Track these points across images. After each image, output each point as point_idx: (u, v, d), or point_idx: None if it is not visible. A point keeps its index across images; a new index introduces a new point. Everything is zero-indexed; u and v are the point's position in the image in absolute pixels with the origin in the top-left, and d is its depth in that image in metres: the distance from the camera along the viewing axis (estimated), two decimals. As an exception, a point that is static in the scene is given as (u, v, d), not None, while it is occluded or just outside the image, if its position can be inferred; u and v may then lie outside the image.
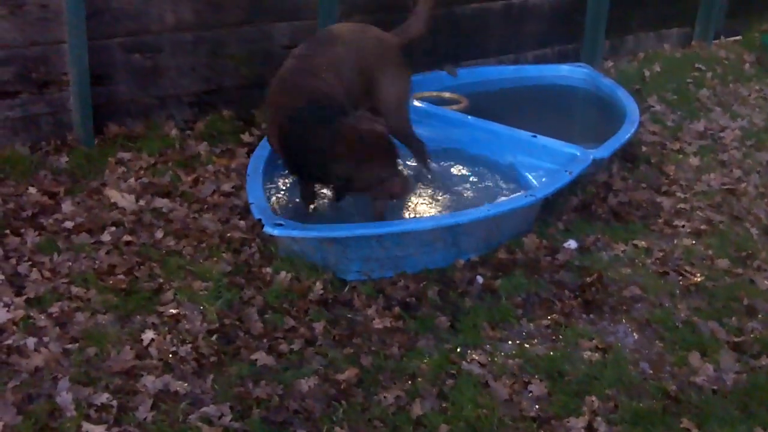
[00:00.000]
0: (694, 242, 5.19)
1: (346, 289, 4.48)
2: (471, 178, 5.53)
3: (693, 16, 8.92)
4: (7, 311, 4.02)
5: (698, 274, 4.86)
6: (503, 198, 5.25)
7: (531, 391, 3.89)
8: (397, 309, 4.35)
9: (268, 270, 4.50)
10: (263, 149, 5.19)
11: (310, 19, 6.25)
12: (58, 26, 5.35)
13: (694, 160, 6.28)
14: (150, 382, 3.73)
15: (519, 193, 5.22)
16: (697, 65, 8.36)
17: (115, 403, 3.60)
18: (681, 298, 4.66)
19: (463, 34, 7.16)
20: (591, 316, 4.48)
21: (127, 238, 4.68)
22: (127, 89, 5.73)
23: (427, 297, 4.47)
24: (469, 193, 5.38)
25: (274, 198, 5.13)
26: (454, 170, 5.61)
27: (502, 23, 7.40)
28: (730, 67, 8.49)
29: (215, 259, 4.58)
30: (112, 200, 4.98)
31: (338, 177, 4.62)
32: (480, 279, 4.64)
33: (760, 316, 4.57)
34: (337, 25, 5.50)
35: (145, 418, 3.55)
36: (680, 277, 4.83)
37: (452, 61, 6.92)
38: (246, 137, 5.86)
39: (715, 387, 4.02)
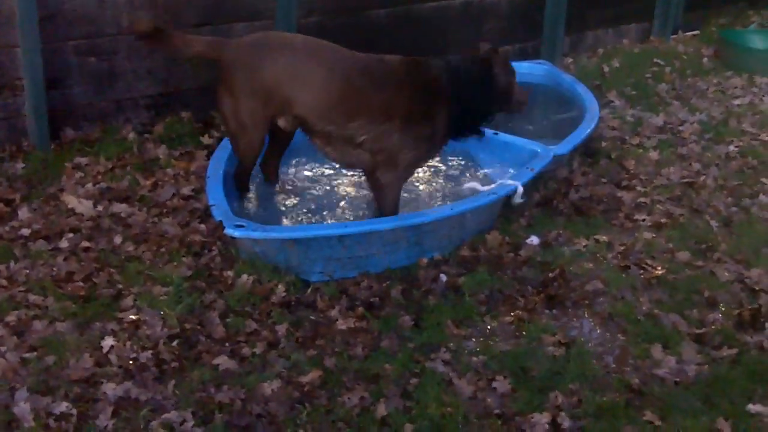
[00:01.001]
0: (654, 236, 5.21)
1: (309, 290, 4.46)
2: (433, 176, 5.52)
3: (651, 11, 8.97)
4: (-37, 321, 3.97)
5: (659, 267, 4.88)
6: (465, 196, 5.25)
7: (495, 388, 3.89)
8: (360, 309, 4.33)
9: (230, 273, 4.47)
10: (223, 150, 5.15)
11: (268, 19, 6.21)
12: (10, 30, 5.29)
13: (654, 154, 6.30)
14: (110, 389, 3.70)
15: (481, 191, 5.22)
16: (655, 60, 8.40)
17: (74, 411, 3.57)
18: (643, 291, 4.68)
19: (423, 33, 7.15)
20: (554, 311, 4.48)
21: (85, 244, 4.64)
22: (83, 93, 5.67)
23: (390, 296, 4.46)
24: (431, 191, 5.38)
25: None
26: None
27: (461, 21, 7.40)
28: (688, 62, 8.54)
29: (175, 263, 4.54)
30: (70, 206, 4.92)
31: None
32: (443, 277, 4.64)
33: (720, 307, 4.59)
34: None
35: (105, 426, 3.52)
36: (641, 271, 4.85)
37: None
38: (205, 139, 5.82)
39: (677, 379, 4.04)
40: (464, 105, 4.79)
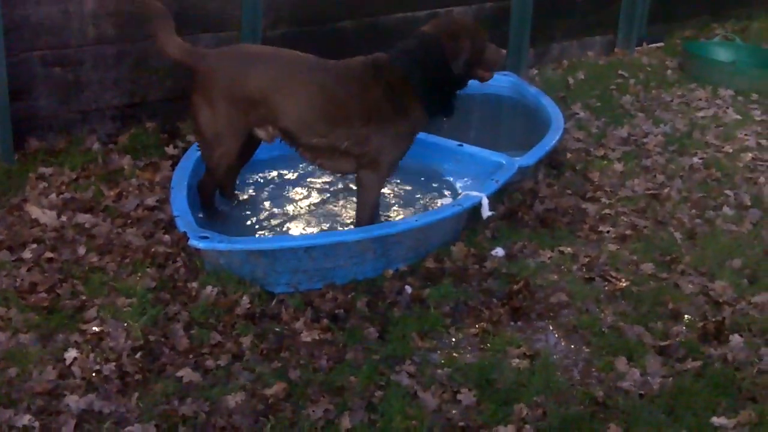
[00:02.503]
0: (619, 247, 5.24)
1: (274, 302, 4.45)
2: (398, 188, 5.53)
3: (615, 23, 9.02)
4: (-76, 333, 3.93)
5: (623, 279, 4.91)
6: (431, 208, 5.26)
7: (460, 401, 3.89)
8: (325, 321, 4.32)
9: (194, 285, 4.45)
10: (188, 161, 5.13)
11: (234, 30, 6.20)
12: (-26, 41, 5.24)
13: (618, 166, 6.34)
14: (73, 401, 3.68)
15: (446, 203, 5.24)
16: (620, 72, 8.46)
17: (37, 424, 3.54)
18: (607, 303, 4.71)
19: (389, 44, 7.15)
20: (519, 323, 4.50)
21: (48, 255, 4.60)
22: (47, 104, 5.64)
23: (355, 308, 4.45)
24: (396, 203, 5.39)
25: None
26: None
27: (427, 32, 7.41)
28: (652, 74, 8.61)
29: (139, 274, 4.51)
30: (33, 216, 4.88)
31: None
32: (409, 289, 4.64)
33: (685, 319, 4.63)
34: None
35: (68, 439, 3.50)
36: (606, 283, 4.88)
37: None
38: (170, 150, 5.79)
39: (641, 391, 4.06)
40: (427, 85, 4.77)
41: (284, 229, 5.07)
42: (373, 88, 4.75)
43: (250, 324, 4.26)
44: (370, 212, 4.92)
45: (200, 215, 4.95)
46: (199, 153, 5.06)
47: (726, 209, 5.84)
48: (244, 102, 4.72)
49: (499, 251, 5.04)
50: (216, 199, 5.13)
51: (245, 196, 5.33)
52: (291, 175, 5.61)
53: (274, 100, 4.72)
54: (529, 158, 5.58)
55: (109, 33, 5.73)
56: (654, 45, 9.42)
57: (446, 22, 4.92)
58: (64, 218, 4.92)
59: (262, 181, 5.54)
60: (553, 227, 5.38)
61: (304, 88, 4.76)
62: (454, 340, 4.34)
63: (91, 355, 3.94)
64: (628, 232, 5.42)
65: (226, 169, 4.94)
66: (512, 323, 4.49)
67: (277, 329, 4.27)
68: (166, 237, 4.81)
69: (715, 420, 3.90)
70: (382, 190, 5.13)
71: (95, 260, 4.61)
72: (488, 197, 5.04)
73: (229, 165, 4.93)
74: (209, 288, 4.39)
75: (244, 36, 6.19)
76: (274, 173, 5.61)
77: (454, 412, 3.83)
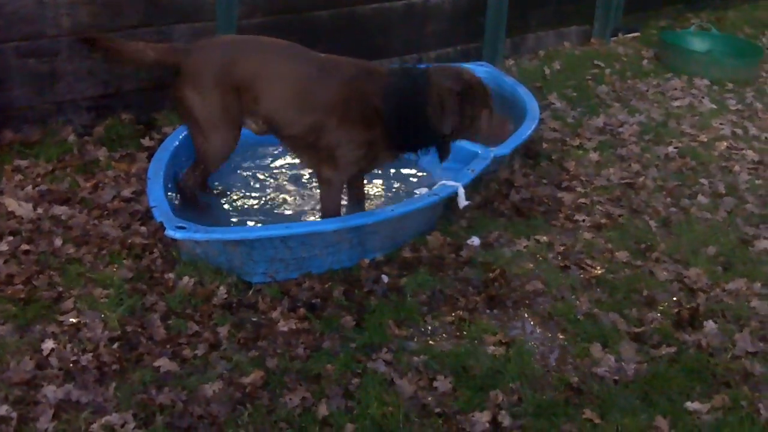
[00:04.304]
0: (594, 236, 5.28)
1: (251, 291, 4.46)
2: (375, 177, 5.55)
3: (591, 14, 9.07)
4: None
5: (599, 267, 4.95)
6: (407, 197, 5.28)
7: (436, 387, 3.92)
8: (302, 310, 4.34)
9: (171, 275, 4.45)
10: (164, 152, 5.13)
11: (209, 20, 6.19)
12: (-52, 32, 5.22)
13: (594, 156, 6.38)
14: (51, 392, 3.68)
15: (423, 193, 5.26)
16: (596, 62, 8.51)
17: (15, 414, 3.54)
18: (582, 291, 4.74)
19: (365, 34, 7.18)
20: (494, 311, 4.52)
21: (25, 246, 4.59)
22: (22, 95, 5.61)
23: (332, 297, 4.47)
24: (373, 192, 5.40)
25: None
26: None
27: (404, 23, 7.43)
28: (628, 64, 8.66)
29: (116, 265, 4.51)
30: (9, 209, 4.86)
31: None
32: (385, 278, 4.66)
33: (659, 306, 4.67)
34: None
35: (46, 429, 3.51)
36: (581, 271, 4.91)
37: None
38: (146, 141, 5.78)
39: (616, 377, 4.10)
40: (397, 123, 4.67)
41: (261, 218, 5.07)
42: (351, 91, 4.72)
43: (227, 313, 4.27)
44: (332, 210, 4.89)
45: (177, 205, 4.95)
46: (175, 144, 5.06)
47: (701, 197, 5.90)
48: (236, 89, 4.73)
49: (475, 240, 5.06)
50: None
51: (221, 187, 5.33)
52: (266, 164, 5.62)
53: (257, 86, 4.72)
54: (504, 148, 5.58)
55: (84, 23, 5.70)
56: (630, 35, 9.48)
57: (452, 78, 4.65)
58: (40, 210, 4.91)
59: (238, 171, 5.54)
60: (528, 216, 5.41)
61: (285, 76, 4.76)
62: (430, 328, 4.36)
63: (69, 346, 3.94)
64: (603, 220, 5.46)
65: (222, 158, 4.94)
66: (488, 311, 4.52)
67: (254, 318, 4.28)
68: (143, 228, 4.81)
69: (690, 405, 3.95)
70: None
71: (72, 251, 4.60)
72: (464, 187, 5.05)
73: (226, 154, 4.93)
74: (186, 278, 4.40)
75: (219, 26, 6.19)
76: (249, 163, 5.61)
77: (430, 398, 3.86)
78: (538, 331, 4.42)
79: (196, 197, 5.04)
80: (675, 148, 6.70)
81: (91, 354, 3.91)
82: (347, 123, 4.70)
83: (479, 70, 6.98)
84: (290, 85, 4.75)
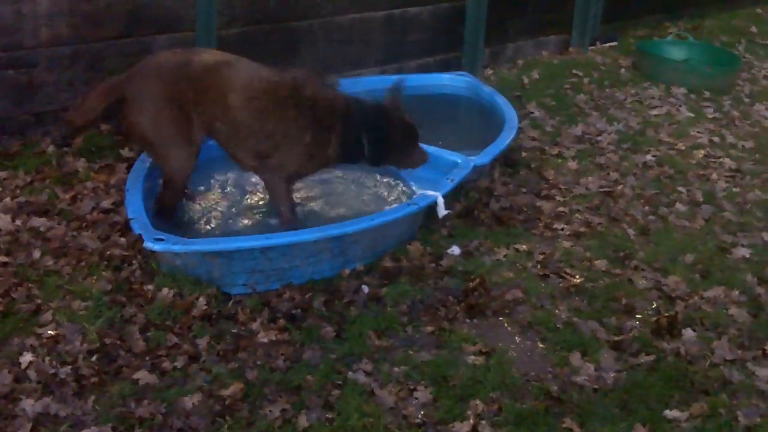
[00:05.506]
0: (573, 244, 5.30)
1: (231, 303, 4.45)
2: (354, 187, 5.55)
3: (570, 23, 9.11)
4: None
5: (578, 276, 4.97)
6: (387, 207, 5.28)
7: (416, 398, 3.92)
8: (282, 321, 4.33)
9: (150, 287, 4.43)
10: (143, 163, 5.11)
11: (188, 30, 6.18)
12: (-75, 43, 5.19)
13: (573, 164, 6.41)
14: (29, 405, 3.66)
15: (402, 202, 5.26)
16: (574, 71, 8.54)
17: (-8, 428, 3.52)
18: (561, 299, 4.75)
19: (345, 44, 7.18)
20: (474, 320, 4.53)
21: (3, 259, 4.56)
22: (1, 106, 5.58)
23: (312, 308, 4.46)
24: (352, 202, 5.40)
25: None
26: (338, 179, 5.63)
27: (384, 33, 7.44)
28: (606, 72, 8.70)
29: (95, 277, 4.50)
30: (-13, 221, 4.85)
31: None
32: (366, 288, 4.66)
33: (638, 314, 4.69)
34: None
35: (24, 443, 3.48)
36: (560, 279, 4.93)
37: (334, 72, 6.93)
38: (125, 152, 5.75)
39: (595, 386, 4.12)
40: (354, 144, 4.95)
41: (239, 229, 5.06)
42: (297, 105, 4.82)
43: (206, 325, 4.26)
44: (287, 215, 5.00)
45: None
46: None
47: (679, 206, 5.93)
48: (180, 106, 4.75)
49: (455, 249, 5.07)
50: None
51: (198, 199, 5.32)
52: (238, 175, 5.60)
53: (200, 101, 4.77)
54: (484, 157, 5.61)
55: (63, 34, 5.69)
56: (608, 44, 9.53)
57: (393, 115, 5.02)
58: (18, 222, 4.88)
59: (212, 182, 5.53)
60: (508, 225, 5.42)
61: (224, 90, 4.81)
62: (410, 338, 4.36)
63: (47, 359, 3.92)
64: (582, 229, 5.48)
65: (185, 175, 4.93)
66: (468, 320, 4.53)
67: (233, 330, 4.27)
68: (122, 239, 4.79)
69: (668, 413, 3.97)
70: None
71: (50, 263, 4.58)
72: (444, 196, 5.07)
73: (189, 169, 4.92)
74: (165, 290, 4.39)
75: (198, 36, 6.18)
76: (223, 174, 5.59)
77: (410, 409, 3.86)
78: (517, 340, 4.43)
79: (175, 212, 5.04)
80: (653, 156, 6.74)
81: (69, 367, 3.89)
82: (300, 141, 4.84)
83: (458, 79, 7.04)
84: (230, 100, 4.79)
